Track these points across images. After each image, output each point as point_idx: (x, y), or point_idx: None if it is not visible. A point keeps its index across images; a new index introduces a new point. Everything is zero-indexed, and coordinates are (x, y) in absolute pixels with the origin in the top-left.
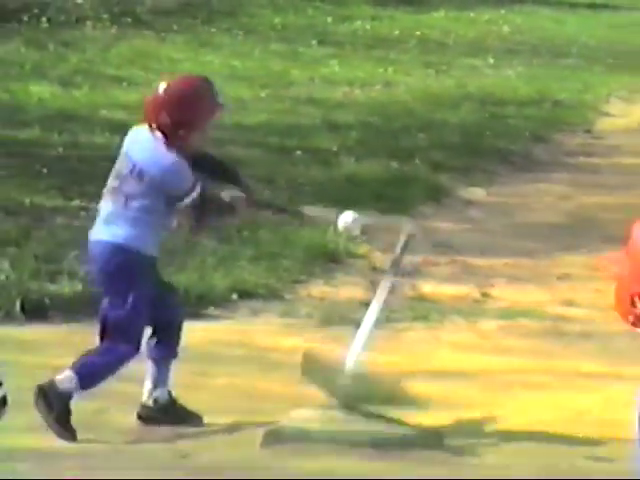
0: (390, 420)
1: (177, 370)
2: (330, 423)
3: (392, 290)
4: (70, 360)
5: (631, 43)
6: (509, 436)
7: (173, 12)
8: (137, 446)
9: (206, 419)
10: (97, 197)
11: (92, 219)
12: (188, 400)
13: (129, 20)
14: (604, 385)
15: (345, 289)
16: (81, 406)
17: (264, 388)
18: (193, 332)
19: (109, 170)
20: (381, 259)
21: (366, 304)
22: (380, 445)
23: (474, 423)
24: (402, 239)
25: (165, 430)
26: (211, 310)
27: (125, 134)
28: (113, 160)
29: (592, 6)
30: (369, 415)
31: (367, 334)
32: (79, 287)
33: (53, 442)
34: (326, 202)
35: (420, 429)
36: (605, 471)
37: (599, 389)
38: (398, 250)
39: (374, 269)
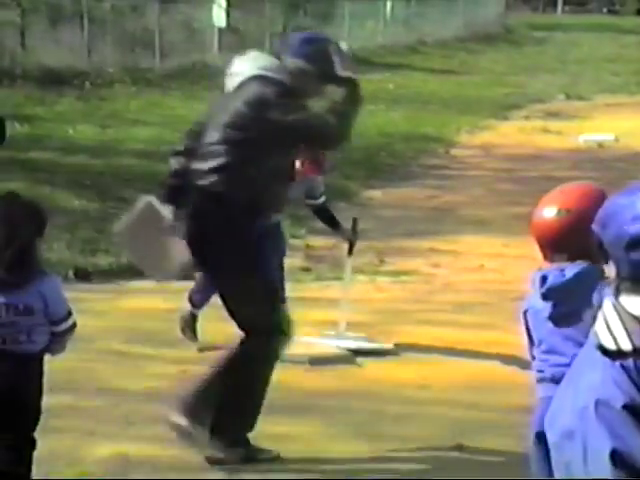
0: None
1: None
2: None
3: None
4: (107, 305)
5: (470, 95)
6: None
7: (172, 76)
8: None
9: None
10: (124, 200)
11: (121, 216)
12: None
13: (143, 82)
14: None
15: (289, 260)
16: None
17: None
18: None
19: (133, 182)
20: (313, 240)
21: (303, 269)
22: (315, 363)
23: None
24: (351, 226)
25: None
26: None
27: (142, 159)
28: (136, 176)
29: (445, 72)
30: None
31: (345, 303)
32: (112, 260)
33: None
34: None
35: (336, 352)
36: None
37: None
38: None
39: (307, 246)
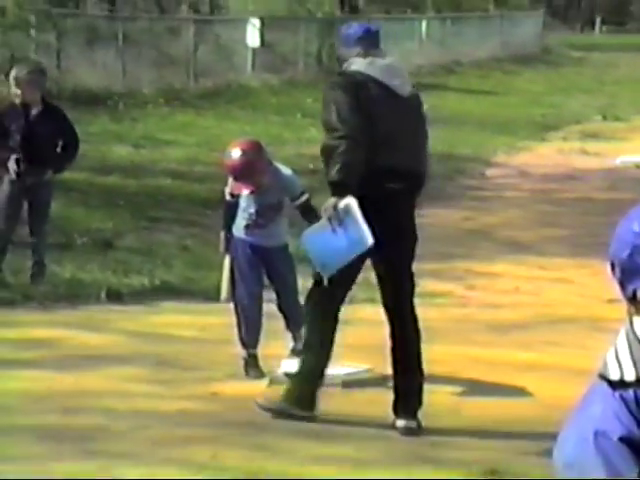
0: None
1: None
2: None
3: None
4: (138, 326)
5: (507, 116)
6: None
7: (206, 96)
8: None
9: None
10: (158, 220)
11: (154, 236)
12: None
13: (177, 102)
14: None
15: None
16: None
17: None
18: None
19: (167, 203)
20: None
21: None
22: (347, 386)
23: None
24: None
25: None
26: None
27: (176, 179)
28: (169, 196)
29: (482, 92)
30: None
31: None
32: (145, 281)
33: None
34: None
35: (373, 372)
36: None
37: None
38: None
39: None
